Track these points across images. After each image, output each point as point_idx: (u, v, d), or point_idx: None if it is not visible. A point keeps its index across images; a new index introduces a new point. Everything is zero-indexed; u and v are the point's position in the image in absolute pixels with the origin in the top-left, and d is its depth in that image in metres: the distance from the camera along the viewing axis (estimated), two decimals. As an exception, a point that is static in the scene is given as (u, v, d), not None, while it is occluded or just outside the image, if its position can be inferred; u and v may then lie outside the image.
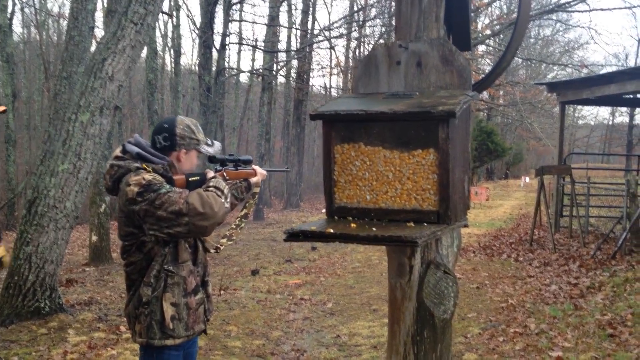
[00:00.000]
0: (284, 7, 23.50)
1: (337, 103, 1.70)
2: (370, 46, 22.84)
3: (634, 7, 32.63)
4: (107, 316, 6.70)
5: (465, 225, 1.60)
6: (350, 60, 28.31)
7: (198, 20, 17.24)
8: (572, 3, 17.16)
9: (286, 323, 6.67)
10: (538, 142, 41.02)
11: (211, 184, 2.58)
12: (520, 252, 10.44)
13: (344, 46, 30.80)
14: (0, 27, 16.73)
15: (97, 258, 10.56)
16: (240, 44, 26.51)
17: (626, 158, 33.90)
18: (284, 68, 25.69)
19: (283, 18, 31.81)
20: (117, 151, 2.65)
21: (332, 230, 1.39)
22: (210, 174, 2.78)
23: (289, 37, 26.56)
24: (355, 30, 23.44)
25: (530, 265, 9.21)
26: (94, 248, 10.65)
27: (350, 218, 1.52)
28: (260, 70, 21.84)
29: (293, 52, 22.48)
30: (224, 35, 17.39)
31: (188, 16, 41.05)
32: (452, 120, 1.49)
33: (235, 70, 24.69)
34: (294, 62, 24.43)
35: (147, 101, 15.03)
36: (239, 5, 22.50)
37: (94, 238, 10.63)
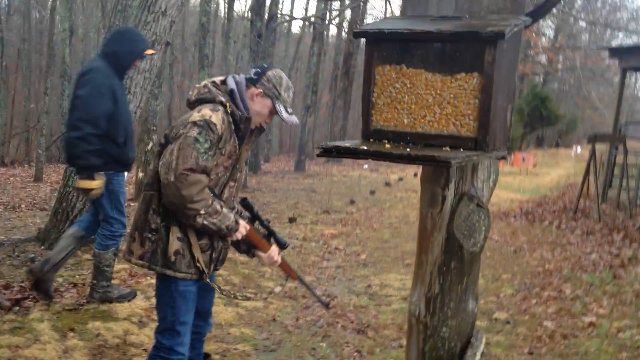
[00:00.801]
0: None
1: (383, 23, 1.66)
2: None
3: None
4: (128, 249, 6.93)
5: (504, 157, 1.56)
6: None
7: (252, -36, 17.07)
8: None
9: (319, 269, 6.77)
10: (594, 112, 39.50)
11: (221, 205, 2.50)
12: (563, 220, 10.22)
13: None
14: (59, -38, 16.94)
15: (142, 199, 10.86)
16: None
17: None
18: (337, 18, 25.26)
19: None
20: (220, 77, 2.70)
21: (365, 148, 1.38)
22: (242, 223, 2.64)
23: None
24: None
25: (572, 233, 9.02)
26: (140, 184, 10.95)
27: (386, 141, 1.50)
28: (312, 19, 21.54)
29: (347, 1, 22.04)
30: (278, -19, 17.16)
31: (243, -39, 40.49)
32: (500, 42, 1.43)
33: (287, 17, 24.44)
34: (347, 13, 23.99)
35: (199, 45, 15.06)
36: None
37: (140, 175, 10.92)
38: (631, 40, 31.01)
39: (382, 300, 5.64)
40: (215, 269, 2.73)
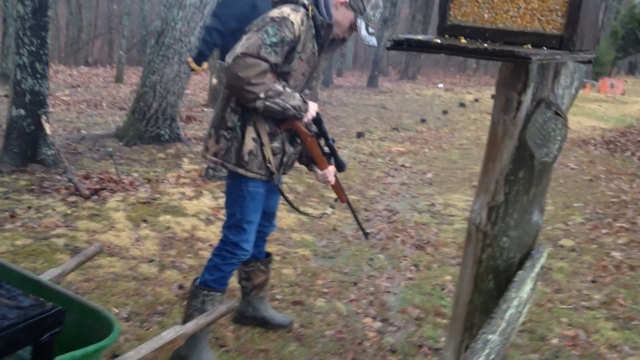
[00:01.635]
0: None
1: None
2: None
3: None
4: (204, 145, 7.12)
5: (589, 62, 1.43)
6: None
7: None
8: None
9: (383, 185, 6.77)
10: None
11: (284, 86, 2.44)
12: (646, 152, 9.65)
13: None
14: None
15: (215, 100, 11.00)
16: None
17: None
18: None
19: None
20: None
21: (439, 41, 1.30)
22: (296, 122, 2.58)
23: None
24: None
25: (655, 166, 8.52)
26: (213, 90, 11.11)
27: (462, 37, 1.41)
28: None
29: None
30: None
31: None
32: None
33: None
34: None
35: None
36: None
37: (214, 81, 11.05)
38: None
39: (445, 219, 5.61)
40: (284, 173, 2.76)
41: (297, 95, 2.48)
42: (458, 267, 4.27)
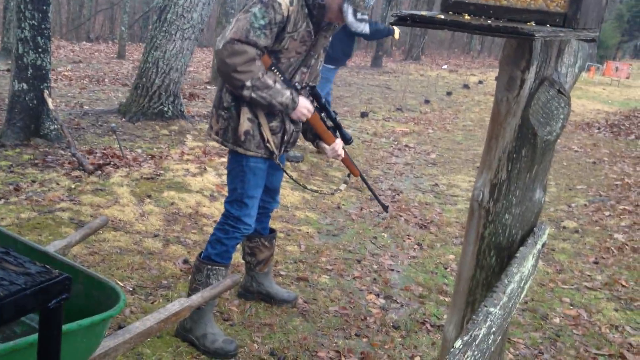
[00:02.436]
0: None
1: None
2: None
3: None
4: (209, 124, 7.11)
5: (593, 40, 1.43)
6: None
7: None
8: None
9: (387, 165, 6.78)
10: None
11: (275, 81, 2.43)
12: (651, 135, 9.62)
13: None
14: None
15: (219, 78, 11.02)
16: None
17: None
18: None
19: None
20: None
21: (442, 17, 1.30)
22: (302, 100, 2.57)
23: None
24: None
25: (659, 150, 8.50)
26: (217, 68, 11.08)
27: (466, 14, 1.40)
28: None
29: None
30: None
31: None
32: None
33: None
34: None
35: None
36: None
37: (217, 59, 11.01)
38: None
39: (448, 199, 5.63)
40: (286, 151, 2.76)
41: (287, 93, 2.46)
42: (461, 247, 4.30)
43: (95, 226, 2.59)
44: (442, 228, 4.72)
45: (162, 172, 4.85)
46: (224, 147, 6.34)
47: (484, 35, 1.34)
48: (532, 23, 1.33)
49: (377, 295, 3.44)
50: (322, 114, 2.72)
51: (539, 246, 1.63)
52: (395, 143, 7.95)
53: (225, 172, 5.10)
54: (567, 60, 1.56)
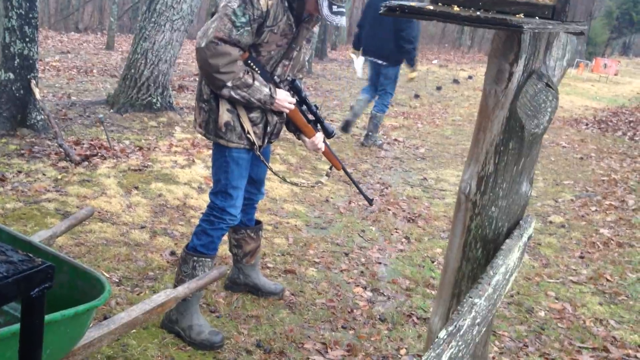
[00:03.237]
0: None
1: None
2: None
3: None
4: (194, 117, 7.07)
5: (582, 33, 1.43)
6: None
7: None
8: None
9: (376, 159, 6.78)
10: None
11: (254, 79, 2.42)
12: (638, 131, 9.70)
13: None
14: None
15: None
16: None
17: None
18: None
19: None
20: None
21: (432, 8, 1.29)
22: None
23: None
24: None
25: (645, 146, 8.58)
26: (206, 60, 11.01)
27: (455, 5, 1.40)
28: None
29: None
30: None
31: None
32: None
33: None
34: None
35: None
36: None
37: (207, 51, 10.94)
38: None
39: (436, 193, 5.64)
40: (270, 142, 2.76)
41: (266, 90, 2.47)
42: (448, 240, 4.33)
43: (81, 217, 2.57)
44: (430, 222, 4.74)
45: (149, 163, 4.82)
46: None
47: (473, 27, 1.34)
48: (521, 15, 1.34)
49: (364, 288, 3.45)
50: (303, 108, 2.72)
51: (524, 239, 1.64)
52: (385, 137, 7.95)
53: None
54: (555, 53, 1.57)
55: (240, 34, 2.33)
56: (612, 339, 3.15)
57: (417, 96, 11.96)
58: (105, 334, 1.86)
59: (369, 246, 4.10)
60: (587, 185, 6.20)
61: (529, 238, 1.70)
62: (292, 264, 3.63)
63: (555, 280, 3.82)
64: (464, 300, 1.34)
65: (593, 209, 5.35)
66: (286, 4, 2.44)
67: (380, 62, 6.84)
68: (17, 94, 5.13)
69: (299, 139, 2.83)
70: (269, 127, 2.64)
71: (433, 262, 3.94)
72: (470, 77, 16.63)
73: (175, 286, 2.65)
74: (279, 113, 2.66)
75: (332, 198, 5.05)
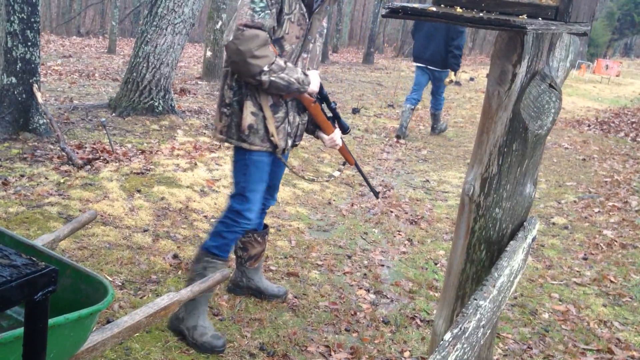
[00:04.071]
0: None
1: None
2: None
3: None
4: (214, 125, 7.09)
5: (585, 34, 1.43)
6: None
7: None
8: None
9: (378, 161, 6.77)
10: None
11: (285, 61, 2.42)
12: (640, 133, 9.68)
13: None
14: None
15: (210, 73, 10.97)
16: None
17: None
18: None
19: None
20: None
21: (434, 9, 1.29)
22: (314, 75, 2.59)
23: None
24: None
25: (648, 147, 8.56)
26: (208, 63, 11.02)
27: (458, 7, 1.40)
28: None
29: None
30: None
31: None
32: None
33: None
34: None
35: None
36: None
37: (208, 54, 10.95)
38: None
39: (439, 195, 5.63)
40: (294, 145, 2.73)
41: (299, 69, 2.48)
42: (451, 242, 4.32)
43: (84, 220, 2.57)
44: (432, 224, 4.73)
45: (152, 167, 4.82)
46: (215, 143, 6.28)
47: (476, 28, 1.34)
48: (524, 16, 1.33)
49: (367, 290, 3.44)
50: (323, 105, 2.72)
51: (529, 240, 1.64)
52: (387, 139, 7.95)
53: (216, 167, 5.09)
54: (558, 54, 1.56)
55: (262, 17, 2.33)
56: (616, 340, 3.13)
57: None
58: (108, 338, 1.85)
59: (372, 248, 4.09)
60: (590, 187, 6.18)
61: (533, 240, 1.70)
62: (295, 266, 3.62)
63: (558, 282, 3.80)
64: (469, 302, 1.34)
65: (596, 210, 5.33)
66: None
67: (433, 68, 7.85)
68: (20, 98, 5.14)
69: (316, 137, 2.83)
70: (290, 128, 2.63)
71: (436, 264, 3.93)
72: (472, 79, 16.63)
73: (187, 284, 2.65)
74: (302, 112, 2.66)
75: (334, 200, 5.05)
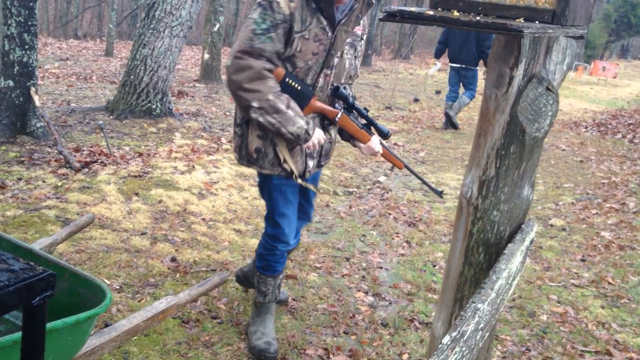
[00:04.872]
0: None
1: None
2: None
3: None
4: (211, 128, 7.09)
5: (582, 37, 1.43)
6: None
7: None
8: None
9: (376, 163, 6.77)
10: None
11: (288, 106, 2.21)
12: (637, 134, 9.70)
13: None
14: None
15: (207, 76, 10.97)
16: None
17: None
18: None
19: None
20: None
21: (431, 13, 1.29)
22: (317, 104, 2.36)
23: None
24: None
25: (645, 149, 8.58)
26: (205, 66, 11.03)
27: (455, 10, 1.40)
28: None
29: None
30: None
31: None
32: None
33: None
34: None
35: None
36: None
37: (206, 56, 10.96)
38: None
39: (437, 197, 5.63)
40: (320, 166, 2.55)
41: (301, 122, 2.25)
42: (449, 244, 4.32)
43: (82, 224, 2.57)
44: (430, 226, 4.73)
45: (150, 170, 4.82)
46: (213, 145, 6.26)
47: (473, 31, 1.34)
48: (521, 20, 1.34)
49: (366, 292, 3.44)
50: (352, 114, 2.50)
51: (527, 243, 1.64)
52: (385, 141, 7.96)
53: (214, 170, 5.09)
54: (555, 57, 1.57)
55: (262, 42, 2.16)
56: (614, 342, 3.14)
57: (416, 100, 11.98)
58: (106, 342, 1.85)
59: (370, 251, 4.09)
60: (588, 188, 6.19)
61: (531, 242, 1.70)
62: (293, 269, 3.62)
63: (557, 284, 3.81)
64: (467, 305, 1.34)
65: (594, 211, 5.34)
66: (313, 5, 2.24)
67: (466, 66, 8.90)
68: (17, 102, 5.13)
69: (355, 146, 2.62)
70: (305, 151, 2.43)
71: (434, 266, 3.93)
72: (469, 81, 16.65)
73: (255, 298, 2.72)
74: (327, 129, 2.51)
75: (332, 203, 5.05)
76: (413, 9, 1.33)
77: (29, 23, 5.12)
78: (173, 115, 6.84)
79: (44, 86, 8.69)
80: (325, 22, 2.26)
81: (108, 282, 3.06)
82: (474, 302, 1.34)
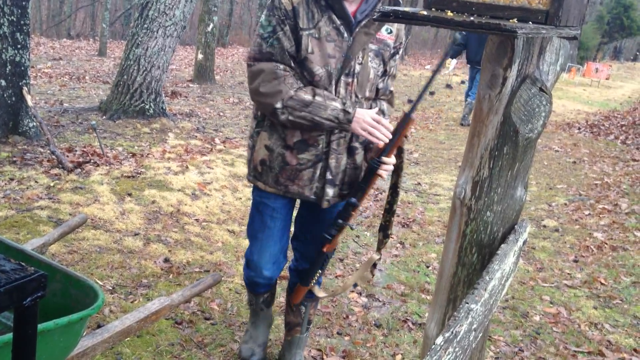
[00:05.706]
0: None
1: None
2: None
3: None
4: (205, 128, 7.08)
5: (575, 38, 1.44)
6: None
7: None
8: None
9: (370, 163, 6.77)
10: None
11: (314, 94, 2.01)
12: (630, 135, 9.75)
13: None
14: None
15: (201, 76, 10.95)
16: None
17: None
18: None
19: None
20: None
21: (425, 13, 1.29)
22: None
23: None
24: None
25: (637, 149, 8.63)
26: (199, 66, 11.01)
27: (449, 10, 1.40)
28: None
29: None
30: None
31: None
32: None
33: None
34: None
35: None
36: None
37: (200, 56, 10.94)
38: None
39: (430, 198, 5.64)
40: (342, 195, 2.19)
41: (335, 104, 2.01)
42: (443, 245, 4.32)
43: (74, 224, 2.56)
44: (424, 227, 4.74)
45: (143, 170, 4.80)
46: (207, 146, 6.24)
47: (467, 31, 1.34)
48: (515, 20, 1.34)
49: (359, 293, 3.44)
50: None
51: (520, 243, 1.64)
52: (378, 142, 7.97)
53: (207, 170, 5.08)
54: (548, 58, 1.57)
55: (270, 45, 2.02)
56: (607, 342, 3.15)
57: (410, 101, 12.00)
58: (99, 343, 1.84)
59: (364, 251, 4.09)
60: (581, 189, 6.22)
61: (524, 243, 1.70)
62: (286, 270, 3.61)
63: (549, 285, 3.82)
64: (461, 306, 1.34)
65: (586, 212, 5.37)
66: (323, 2, 2.02)
67: (480, 68, 9.54)
68: (9, 101, 5.10)
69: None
70: (328, 173, 2.14)
71: (428, 267, 3.94)
72: (463, 82, 16.70)
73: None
74: (350, 153, 2.16)
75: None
76: (407, 8, 1.33)
77: (22, 22, 5.09)
78: (166, 115, 6.82)
79: (36, 86, 8.64)
80: (338, 22, 2.04)
81: (100, 283, 3.05)
82: (467, 303, 1.34)
